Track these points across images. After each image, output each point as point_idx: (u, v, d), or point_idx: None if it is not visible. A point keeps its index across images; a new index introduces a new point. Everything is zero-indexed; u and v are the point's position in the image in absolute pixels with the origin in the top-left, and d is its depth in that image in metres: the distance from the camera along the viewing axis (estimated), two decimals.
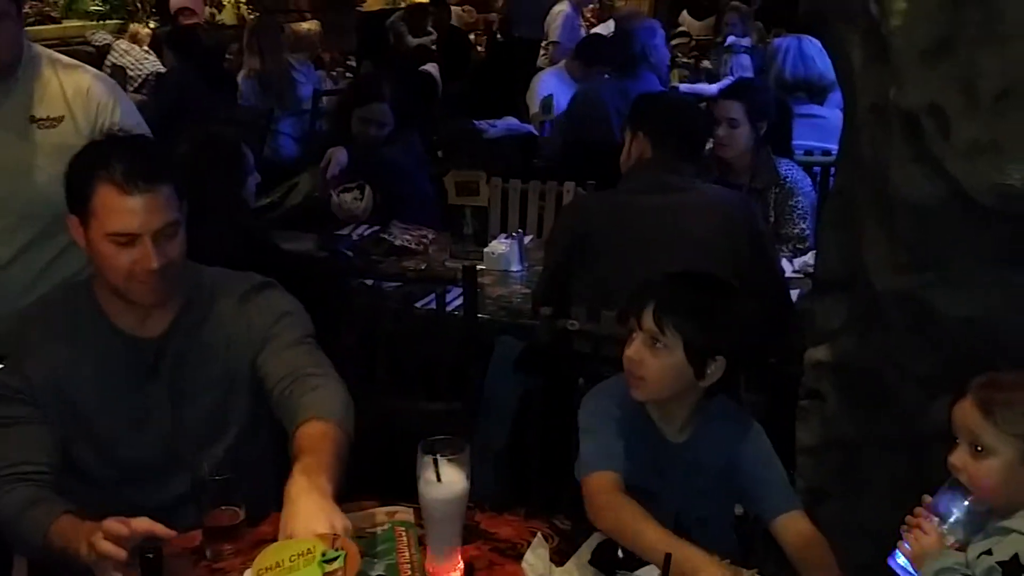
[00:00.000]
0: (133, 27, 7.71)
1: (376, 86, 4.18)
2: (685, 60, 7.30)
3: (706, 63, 7.25)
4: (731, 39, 7.11)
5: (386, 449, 2.82)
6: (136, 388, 1.87)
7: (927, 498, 1.51)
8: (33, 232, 2.13)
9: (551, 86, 5.66)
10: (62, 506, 1.70)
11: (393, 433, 2.85)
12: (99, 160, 1.77)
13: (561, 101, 5.32)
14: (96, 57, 6.85)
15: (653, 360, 1.79)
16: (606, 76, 4.98)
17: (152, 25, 8.12)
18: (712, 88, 5.93)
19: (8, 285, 2.09)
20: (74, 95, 2.17)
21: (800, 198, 3.41)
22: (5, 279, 2.10)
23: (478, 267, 3.04)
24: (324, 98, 6.21)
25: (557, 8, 7.18)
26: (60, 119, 2.14)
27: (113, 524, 1.52)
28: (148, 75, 6.90)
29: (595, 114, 4.62)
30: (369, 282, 3.04)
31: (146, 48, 6.99)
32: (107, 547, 1.50)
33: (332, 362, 1.96)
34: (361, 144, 3.95)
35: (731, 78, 6.00)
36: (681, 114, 2.88)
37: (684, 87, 6.21)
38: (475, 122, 5.52)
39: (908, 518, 1.51)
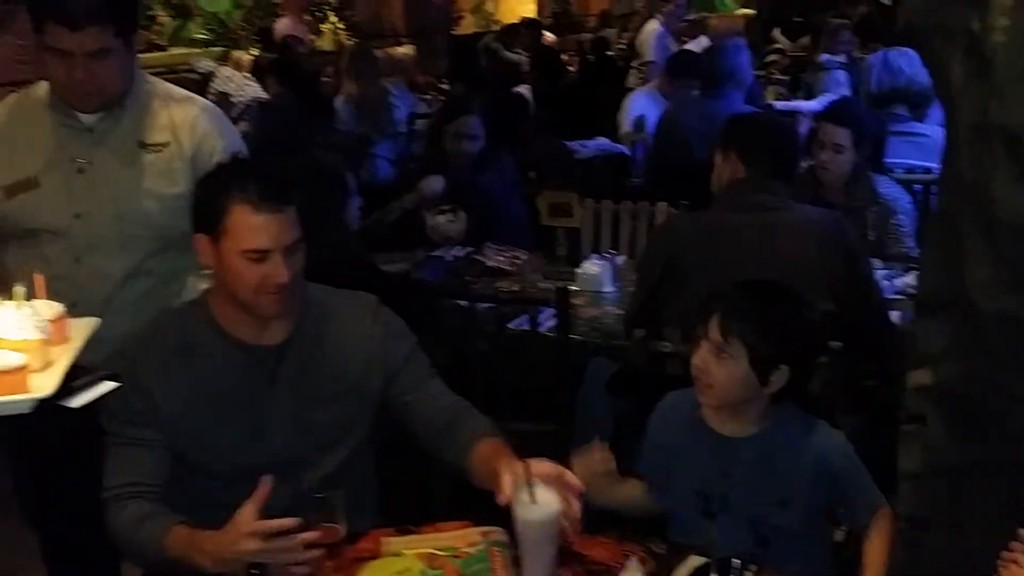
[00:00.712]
0: (236, 54, 7.95)
1: (465, 100, 4.24)
2: (780, 77, 7.20)
3: (802, 80, 7.14)
4: (826, 56, 6.99)
5: None
6: (258, 394, 1.95)
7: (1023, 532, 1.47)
8: (141, 252, 2.22)
9: (643, 106, 5.66)
10: (175, 517, 1.79)
11: None
12: (233, 181, 1.87)
13: (653, 120, 5.31)
14: (200, 83, 7.09)
15: (719, 368, 1.87)
16: (694, 93, 4.95)
17: (254, 52, 8.38)
18: (809, 105, 5.84)
19: (118, 303, 2.18)
20: (180, 122, 2.25)
21: (901, 216, 3.34)
22: (117, 297, 2.18)
23: (570, 288, 3.05)
24: (419, 121, 6.34)
25: (648, 27, 7.17)
26: (166, 144, 2.23)
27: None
28: (250, 101, 7.12)
29: (683, 134, 4.60)
30: (463, 303, 3.09)
31: (247, 74, 7.20)
32: (278, 523, 1.61)
33: None
34: (455, 160, 3.99)
35: (828, 95, 5.90)
36: (773, 133, 2.86)
37: (780, 105, 6.13)
38: (567, 142, 5.54)
39: (1004, 552, 1.47)
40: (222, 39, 9.34)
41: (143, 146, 2.22)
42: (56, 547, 2.40)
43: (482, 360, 2.90)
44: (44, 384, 1.36)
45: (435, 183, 3.95)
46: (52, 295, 1.62)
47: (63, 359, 1.44)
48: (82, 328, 1.61)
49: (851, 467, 1.90)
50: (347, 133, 5.98)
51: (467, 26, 11.17)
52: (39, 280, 1.56)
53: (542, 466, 1.66)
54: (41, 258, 2.11)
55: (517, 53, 8.61)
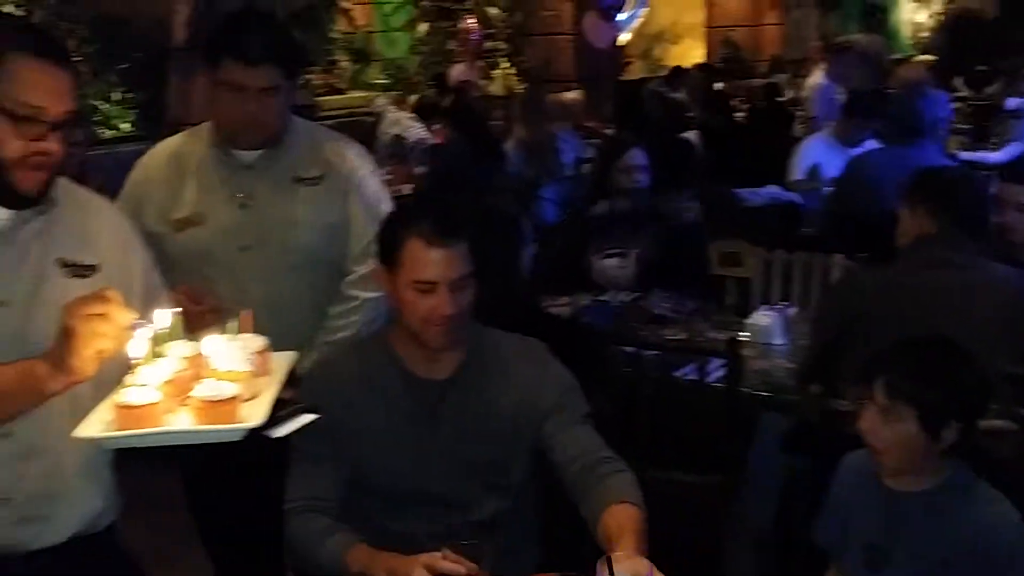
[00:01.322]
0: (410, 98, 8.26)
1: (628, 138, 4.24)
2: (963, 126, 6.91)
3: (988, 129, 6.82)
4: (1012, 102, 6.66)
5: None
6: (422, 426, 2.04)
7: None
8: (303, 280, 2.35)
9: (817, 153, 5.51)
10: (355, 536, 1.90)
11: (646, 502, 2.87)
12: (411, 217, 1.99)
13: (828, 169, 5.17)
14: (374, 125, 7.38)
15: (887, 431, 1.85)
16: (874, 142, 4.79)
17: (426, 94, 8.68)
18: (995, 156, 5.58)
19: (283, 329, 2.29)
20: (332, 158, 2.41)
21: None
22: (281, 323, 2.29)
23: (740, 339, 3.01)
24: (585, 165, 6.41)
25: (812, 79, 7.00)
26: (320, 178, 2.37)
27: (450, 558, 1.69)
28: (417, 141, 7.35)
29: (870, 184, 4.44)
30: (629, 349, 3.08)
31: (413, 115, 7.42)
32: (451, 565, 1.67)
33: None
34: (623, 197, 3.95)
35: (1015, 145, 5.63)
36: (965, 188, 2.74)
37: (964, 155, 5.88)
38: (736, 190, 5.46)
39: None
40: (399, 83, 9.71)
41: (299, 180, 2.36)
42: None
43: (648, 408, 2.89)
44: (253, 414, 1.44)
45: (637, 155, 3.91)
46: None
47: (268, 390, 1.53)
48: (282, 361, 1.70)
49: (1018, 549, 1.80)
50: (516, 176, 6.11)
51: (635, 71, 11.23)
52: (247, 315, 1.67)
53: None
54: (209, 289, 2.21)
55: (684, 97, 8.57)
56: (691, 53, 12.79)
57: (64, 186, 1.72)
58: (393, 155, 6.82)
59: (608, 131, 8.13)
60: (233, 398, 1.42)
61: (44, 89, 1.57)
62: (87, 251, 1.71)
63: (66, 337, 1.44)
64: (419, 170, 6.24)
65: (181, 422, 1.42)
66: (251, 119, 2.25)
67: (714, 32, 13.64)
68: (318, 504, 1.98)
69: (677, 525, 2.46)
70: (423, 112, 7.39)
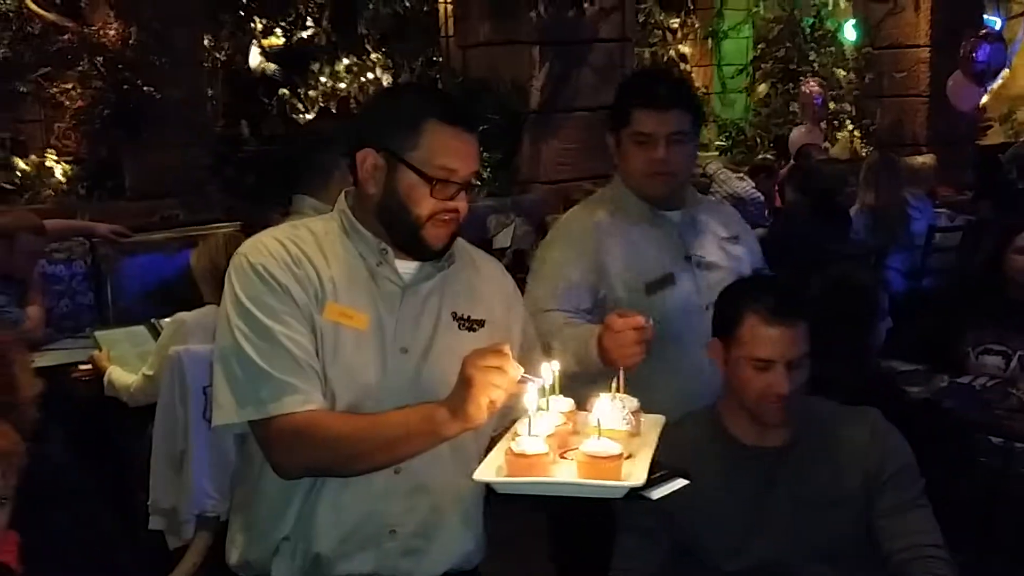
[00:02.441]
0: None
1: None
2: None
3: None
4: None
5: None
6: (756, 495, 2.02)
7: None
8: None
9: None
10: None
11: None
12: (751, 293, 2.01)
13: None
14: (708, 184, 7.38)
15: None
16: None
17: (762, 156, 8.56)
18: None
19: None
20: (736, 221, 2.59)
21: None
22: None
23: None
24: (938, 234, 6.03)
25: None
26: (737, 239, 2.53)
27: None
28: (752, 200, 7.16)
29: None
30: (996, 440, 2.85)
31: (741, 175, 7.30)
32: None
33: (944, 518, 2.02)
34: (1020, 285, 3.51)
35: None
36: None
37: None
38: None
39: None
40: (736, 145, 9.67)
41: (726, 239, 2.46)
42: None
43: (1016, 505, 2.66)
44: (634, 473, 1.49)
45: None
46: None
47: (644, 451, 1.57)
48: (652, 423, 1.74)
49: None
50: (861, 243, 5.86)
51: (995, 136, 10.43)
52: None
53: None
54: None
55: None
56: None
57: (458, 243, 1.84)
58: None
59: (963, 197, 7.62)
60: (619, 455, 1.47)
61: (456, 154, 1.70)
62: (477, 306, 1.83)
63: (465, 386, 1.54)
64: (756, 232, 6.14)
65: (566, 474, 1.49)
66: (661, 166, 2.31)
67: None
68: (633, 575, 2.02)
69: None
70: (755, 173, 7.30)
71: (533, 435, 1.48)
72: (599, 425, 1.50)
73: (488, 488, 1.61)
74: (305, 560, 1.72)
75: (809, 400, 2.08)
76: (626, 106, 2.34)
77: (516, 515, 2.19)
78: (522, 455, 1.45)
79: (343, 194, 1.82)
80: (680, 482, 1.53)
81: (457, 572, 1.84)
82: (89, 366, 3.66)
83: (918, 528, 1.97)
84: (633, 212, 2.40)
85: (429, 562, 1.80)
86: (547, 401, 1.61)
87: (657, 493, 1.49)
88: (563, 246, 2.43)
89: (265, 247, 1.71)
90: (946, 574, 1.92)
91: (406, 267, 1.76)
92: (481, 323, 1.81)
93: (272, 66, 9.50)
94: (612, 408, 1.58)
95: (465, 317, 1.80)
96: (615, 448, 1.47)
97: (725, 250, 2.44)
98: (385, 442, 1.63)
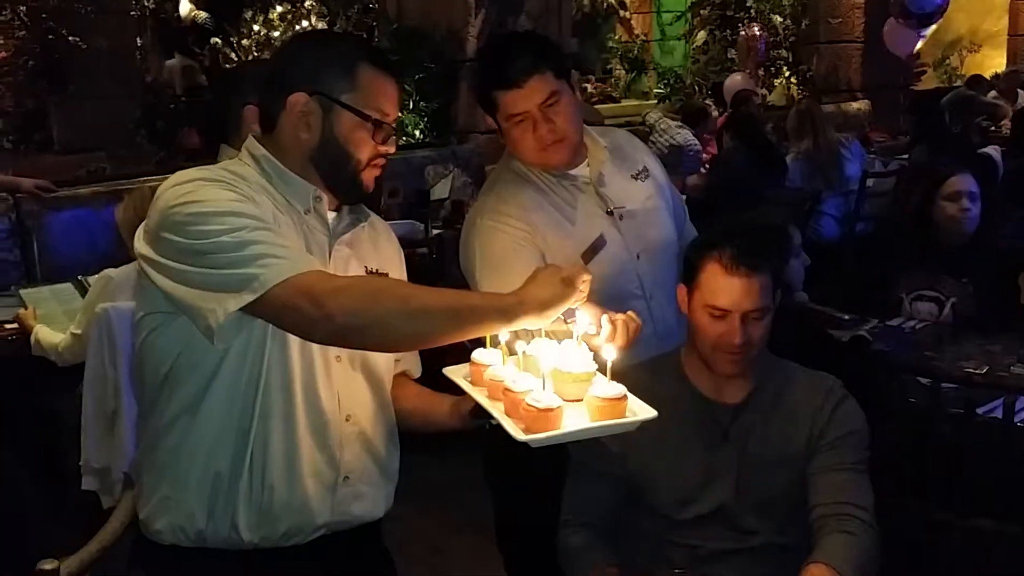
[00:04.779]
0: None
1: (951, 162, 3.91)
2: None
3: None
4: None
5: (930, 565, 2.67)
6: (709, 449, 2.03)
7: None
8: (674, 277, 2.28)
9: None
10: (611, 557, 1.95)
11: (936, 548, 2.69)
12: (714, 241, 2.00)
13: None
14: (647, 134, 7.38)
15: None
16: None
17: (696, 101, 8.57)
18: None
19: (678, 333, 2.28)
20: (640, 153, 2.48)
21: None
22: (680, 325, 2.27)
23: None
24: (872, 180, 6.10)
25: None
26: (645, 171, 2.42)
27: None
28: (692, 151, 7.18)
29: None
30: (925, 381, 2.90)
31: (682, 123, 7.30)
32: None
33: (870, 461, 2.04)
34: (951, 230, 3.38)
35: None
36: None
37: None
38: None
39: None
40: (674, 92, 9.68)
41: (635, 178, 2.39)
42: (516, 567, 2.62)
43: (945, 446, 2.71)
44: (640, 411, 1.58)
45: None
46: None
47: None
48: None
49: None
50: (796, 190, 5.92)
51: (929, 81, 10.57)
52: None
53: None
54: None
55: (1005, 105, 7.93)
56: (990, 61, 11.90)
57: None
58: (667, 165, 6.76)
59: (897, 142, 7.73)
60: (623, 397, 1.55)
61: (388, 97, 1.67)
62: (384, 262, 1.80)
63: (565, 285, 1.53)
64: (691, 180, 6.16)
65: (583, 420, 1.54)
66: (548, 137, 2.19)
67: (1018, 40, 12.59)
68: (589, 519, 2.03)
69: None
70: (692, 119, 7.29)
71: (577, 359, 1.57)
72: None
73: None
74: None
75: (774, 360, 2.09)
76: (488, 91, 2.22)
77: (453, 468, 2.19)
78: (547, 409, 1.48)
79: (250, 140, 1.72)
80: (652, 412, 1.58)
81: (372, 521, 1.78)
82: (15, 325, 3.56)
83: (847, 488, 1.96)
84: (544, 184, 2.30)
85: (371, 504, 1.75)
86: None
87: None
88: (501, 241, 2.26)
89: (199, 176, 1.57)
90: (859, 533, 1.90)
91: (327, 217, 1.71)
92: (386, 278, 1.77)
93: (203, 14, 9.25)
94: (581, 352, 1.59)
95: (374, 271, 1.76)
96: (619, 390, 1.55)
97: (638, 191, 2.36)
98: (460, 306, 1.53)
